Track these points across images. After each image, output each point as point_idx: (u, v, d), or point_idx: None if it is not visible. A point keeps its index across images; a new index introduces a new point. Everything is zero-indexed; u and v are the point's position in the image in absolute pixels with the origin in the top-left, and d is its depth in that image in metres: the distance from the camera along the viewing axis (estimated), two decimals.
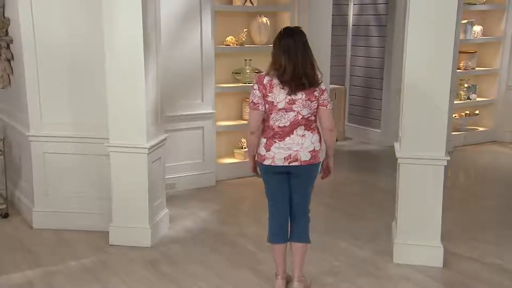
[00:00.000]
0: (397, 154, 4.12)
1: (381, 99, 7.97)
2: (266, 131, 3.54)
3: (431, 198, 4.06)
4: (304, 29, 3.55)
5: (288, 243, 3.71)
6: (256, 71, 6.22)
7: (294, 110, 3.44)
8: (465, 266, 4.17)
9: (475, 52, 7.92)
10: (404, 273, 4.05)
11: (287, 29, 3.52)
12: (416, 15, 3.88)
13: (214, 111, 5.99)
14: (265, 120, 3.53)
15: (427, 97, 3.94)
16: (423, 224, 4.10)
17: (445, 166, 4.01)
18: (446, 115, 3.97)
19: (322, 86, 3.48)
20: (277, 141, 3.49)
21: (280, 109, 3.44)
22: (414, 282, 3.93)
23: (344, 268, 4.14)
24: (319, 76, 3.48)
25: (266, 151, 3.53)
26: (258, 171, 3.66)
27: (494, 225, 5.05)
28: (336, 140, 7.96)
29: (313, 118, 3.51)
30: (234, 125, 6.32)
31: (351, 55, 8.44)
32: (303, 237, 3.69)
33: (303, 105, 3.43)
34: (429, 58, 3.89)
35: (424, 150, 4.01)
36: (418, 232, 4.12)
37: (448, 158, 4.01)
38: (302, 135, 3.49)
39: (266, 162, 3.54)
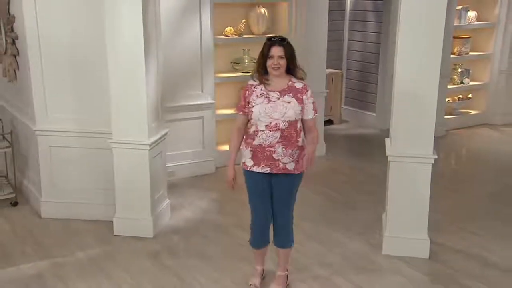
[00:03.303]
0: (387, 152, 4.32)
1: (376, 84, 8.13)
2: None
3: (419, 194, 4.28)
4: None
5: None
6: (254, 61, 6.34)
7: None
8: (451, 257, 4.40)
9: (469, 37, 8.02)
10: (391, 265, 4.28)
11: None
12: (407, 17, 4.06)
13: (214, 101, 6.14)
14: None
15: (416, 99, 4.14)
16: (411, 218, 4.33)
17: (432, 164, 4.22)
18: (434, 116, 4.18)
19: None
20: None
21: None
22: (401, 273, 4.16)
23: (335, 260, 4.36)
24: None
25: None
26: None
27: (483, 215, 5.24)
28: (333, 123, 8.23)
29: None
30: (233, 113, 6.46)
31: (348, 40, 8.56)
32: None
33: None
34: (419, 64, 4.07)
35: (413, 149, 4.22)
36: (406, 225, 4.35)
37: (436, 156, 4.22)
38: None
39: None
